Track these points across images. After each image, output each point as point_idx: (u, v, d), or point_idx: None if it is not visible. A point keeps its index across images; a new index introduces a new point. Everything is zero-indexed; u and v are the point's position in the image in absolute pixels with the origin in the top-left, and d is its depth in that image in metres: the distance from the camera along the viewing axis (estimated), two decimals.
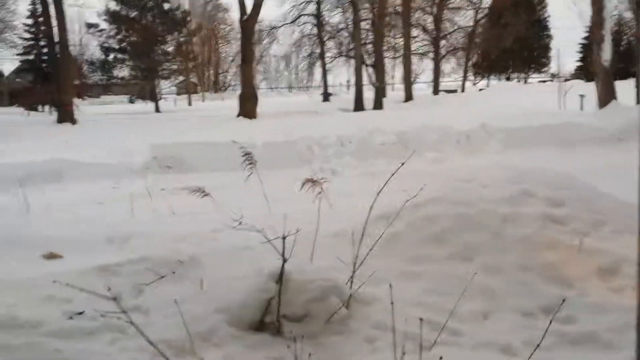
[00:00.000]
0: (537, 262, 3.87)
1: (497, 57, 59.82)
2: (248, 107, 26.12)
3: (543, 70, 72.57)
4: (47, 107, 37.36)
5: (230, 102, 43.41)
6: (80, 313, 3.25)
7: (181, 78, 48.86)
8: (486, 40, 51.51)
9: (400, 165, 3.98)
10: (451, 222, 4.15)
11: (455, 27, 50.06)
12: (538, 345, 2.57)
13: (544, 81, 61.73)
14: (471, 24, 51.42)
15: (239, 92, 31.17)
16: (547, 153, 13.05)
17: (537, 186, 4.61)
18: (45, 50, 37.66)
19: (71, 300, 3.34)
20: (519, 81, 66.96)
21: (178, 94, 56.03)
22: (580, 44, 62.96)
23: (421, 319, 2.38)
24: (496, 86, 53.90)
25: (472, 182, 4.72)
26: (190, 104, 48.05)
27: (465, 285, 3.27)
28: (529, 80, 69.86)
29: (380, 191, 3.60)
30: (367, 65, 43.55)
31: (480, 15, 51.82)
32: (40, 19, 34.00)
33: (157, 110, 37.09)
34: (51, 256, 4.18)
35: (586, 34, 53.12)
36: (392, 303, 2.41)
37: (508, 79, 69.62)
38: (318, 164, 12.49)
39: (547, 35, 69.02)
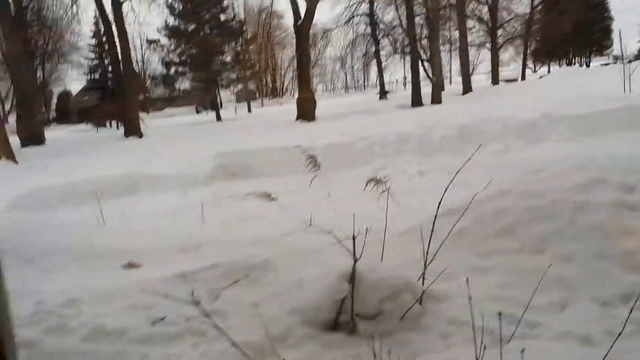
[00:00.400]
0: (613, 250, 3.76)
1: (556, 43, 58.14)
2: (306, 110, 26.29)
3: (605, 53, 70.12)
4: (114, 123, 38.71)
5: (289, 106, 43.82)
6: (162, 319, 3.39)
7: (240, 86, 49.63)
8: (544, 26, 50.16)
9: (467, 160, 3.96)
10: (521, 214, 4.09)
11: (512, 16, 48.94)
12: (619, 334, 2.51)
13: (607, 64, 59.57)
14: (528, 10, 50.15)
15: (296, 96, 31.42)
16: (616, 138, 12.59)
17: (609, 172, 4.48)
18: (109, 68, 39.02)
19: (153, 307, 3.49)
20: (580, 66, 64.87)
21: (237, 101, 56.94)
22: None
23: (500, 313, 2.35)
24: (557, 72, 52.25)
25: (541, 172, 4.62)
26: (249, 110, 48.76)
27: (541, 277, 3.22)
28: (591, 64, 67.61)
29: (447, 187, 3.59)
30: (423, 60, 43.13)
31: (537, 2, 50.49)
32: (104, 39, 35.28)
33: (219, 118, 37.79)
34: (130, 266, 4.36)
35: None
36: (470, 297, 2.38)
37: (569, 64, 67.57)
38: (379, 163, 12.47)
39: (607, 17, 66.68)
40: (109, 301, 3.58)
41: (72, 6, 30.21)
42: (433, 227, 3.58)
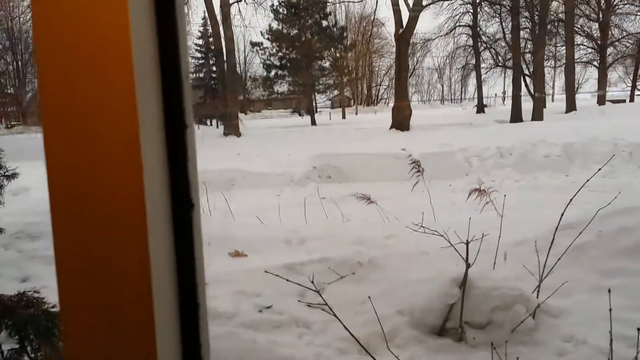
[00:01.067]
0: None
1: None
2: (401, 119, 26.14)
3: None
4: (214, 121, 39.99)
5: (383, 114, 43.70)
6: (269, 307, 3.43)
7: (336, 92, 50.07)
8: None
9: (592, 176, 3.78)
10: None
11: (625, 34, 46.68)
12: None
13: None
14: None
15: (391, 104, 31.31)
16: None
17: None
18: (214, 68, 40.35)
19: (260, 294, 3.54)
20: None
21: (332, 107, 57.46)
22: None
23: (639, 329, 2.19)
24: None
25: None
26: (344, 116, 49.07)
27: None
28: None
29: (571, 200, 3.42)
30: (525, 75, 41.89)
31: None
32: (210, 40, 36.57)
33: (314, 123, 38.26)
34: (237, 255, 4.45)
35: None
36: (610, 309, 2.24)
37: None
38: (477, 176, 12.18)
39: None
40: (218, 286, 3.66)
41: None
42: (553, 239, 3.43)
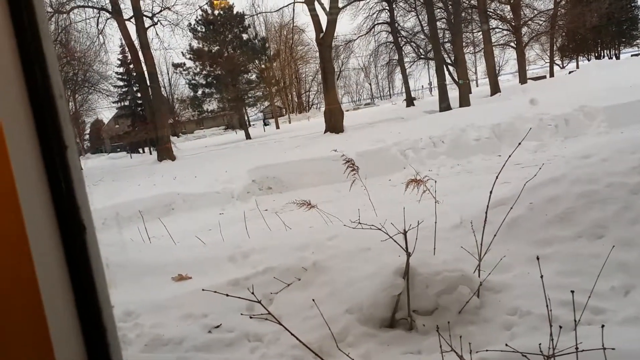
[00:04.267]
0: None
1: (583, 37, 57.44)
2: (334, 122, 26.35)
3: (635, 43, 68.96)
4: (146, 148, 39.29)
5: (316, 120, 43.94)
6: (218, 326, 3.38)
7: (266, 103, 50.01)
8: (569, 21, 49.53)
9: (511, 152, 3.90)
10: (575, 200, 3.98)
11: (536, 12, 48.43)
12: None
13: (638, 54, 58.63)
14: (551, 6, 49.58)
15: (323, 109, 31.54)
16: None
17: None
18: (138, 94, 39.67)
19: (207, 315, 3.48)
20: (610, 58, 63.85)
21: (265, 119, 57.37)
22: None
23: (572, 292, 2.27)
24: (586, 66, 51.52)
25: (590, 157, 4.51)
26: (278, 127, 49.04)
27: (603, 263, 3.11)
28: (621, 55, 66.53)
29: (497, 178, 3.52)
30: (447, 64, 42.90)
31: None
32: (131, 66, 35.93)
33: (248, 137, 38.09)
34: (181, 278, 4.37)
35: None
36: (541, 276, 2.30)
37: (598, 57, 66.55)
38: (414, 167, 12.38)
39: (635, 7, 65.57)
40: (164, 312, 3.58)
41: (98, 36, 30.87)
42: (486, 217, 3.51)
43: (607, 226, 3.69)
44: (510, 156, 3.68)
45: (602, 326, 2.08)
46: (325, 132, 26.30)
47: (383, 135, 16.77)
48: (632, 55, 59.97)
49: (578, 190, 4.02)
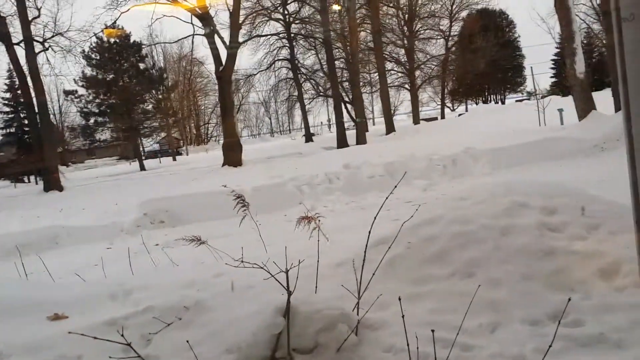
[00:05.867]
0: (538, 270, 3.91)
1: (472, 82, 60.98)
2: (232, 156, 26.29)
3: (519, 89, 74.03)
4: (32, 178, 37.32)
5: (214, 152, 43.57)
6: None
7: (163, 134, 49.08)
8: (459, 66, 52.51)
9: (391, 191, 4.06)
10: (450, 240, 4.19)
11: (428, 57, 50.97)
12: (550, 347, 2.59)
13: (521, 100, 62.89)
14: (443, 52, 52.39)
15: (222, 142, 31.41)
16: (535, 169, 13.24)
17: (530, 197, 4.68)
18: (25, 121, 37.82)
19: (82, 356, 3.33)
20: (496, 103, 68.05)
21: (161, 150, 56.18)
22: (552, 60, 64.42)
23: (433, 330, 2.37)
24: (474, 110, 54.67)
25: (467, 200, 4.78)
26: (174, 159, 48.17)
27: (470, 301, 3.29)
28: (506, 100, 71.07)
29: (377, 215, 3.65)
30: (345, 102, 44.07)
31: (451, 43, 52.90)
32: (19, 92, 34.23)
33: (143, 168, 37.13)
34: (56, 318, 4.15)
35: (558, 50, 54.39)
36: (402, 315, 2.39)
37: (485, 101, 70.75)
38: (309, 203, 12.53)
39: (520, 55, 70.61)
40: (36, 354, 3.39)
41: None
42: (365, 257, 3.62)
43: (478, 265, 3.91)
44: (387, 197, 3.84)
45: None
46: (223, 165, 26.15)
47: (280, 170, 16.90)
48: (516, 101, 64.24)
49: (454, 230, 4.25)
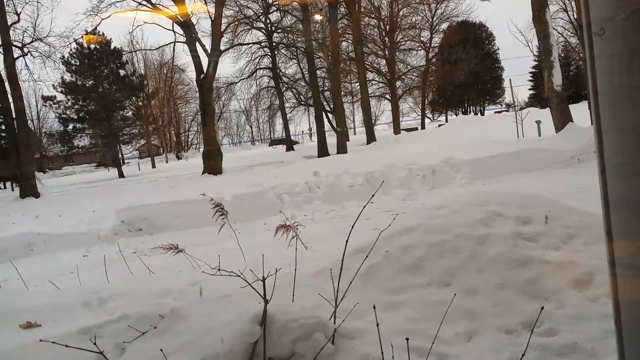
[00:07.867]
0: (514, 280, 3.94)
1: (452, 93, 61.66)
2: (213, 164, 26.19)
3: (498, 101, 74.92)
4: (8, 184, 36.81)
5: (194, 160, 43.33)
6: None
7: (142, 141, 48.75)
8: (439, 77, 52.97)
9: (368, 200, 4.08)
10: (427, 249, 4.22)
11: (409, 68, 51.37)
12: (522, 355, 2.61)
13: (500, 111, 63.62)
14: (423, 63, 52.81)
15: (202, 150, 31.29)
16: (512, 180, 13.39)
17: (505, 207, 4.73)
18: (2, 127, 37.35)
19: None
20: (475, 114, 68.69)
21: (141, 157, 55.79)
22: (530, 72, 65.35)
23: (407, 339, 2.38)
24: (454, 120, 55.15)
25: (443, 209, 4.81)
26: (154, 166, 47.84)
27: (446, 310, 3.31)
28: (485, 112, 71.85)
29: (354, 224, 3.66)
30: (327, 112, 44.14)
31: (431, 54, 53.38)
32: None
33: (121, 175, 36.82)
34: (29, 326, 4.09)
35: (536, 62, 55.17)
36: (377, 324, 2.40)
37: (465, 112, 71.39)
38: (289, 212, 12.52)
39: (499, 67, 71.56)
40: None
41: None
42: (342, 266, 3.62)
43: (455, 274, 3.94)
44: (365, 206, 3.85)
45: None
46: (203, 173, 26.04)
47: (260, 178, 16.85)
48: (495, 112, 64.96)
49: (431, 239, 4.28)
